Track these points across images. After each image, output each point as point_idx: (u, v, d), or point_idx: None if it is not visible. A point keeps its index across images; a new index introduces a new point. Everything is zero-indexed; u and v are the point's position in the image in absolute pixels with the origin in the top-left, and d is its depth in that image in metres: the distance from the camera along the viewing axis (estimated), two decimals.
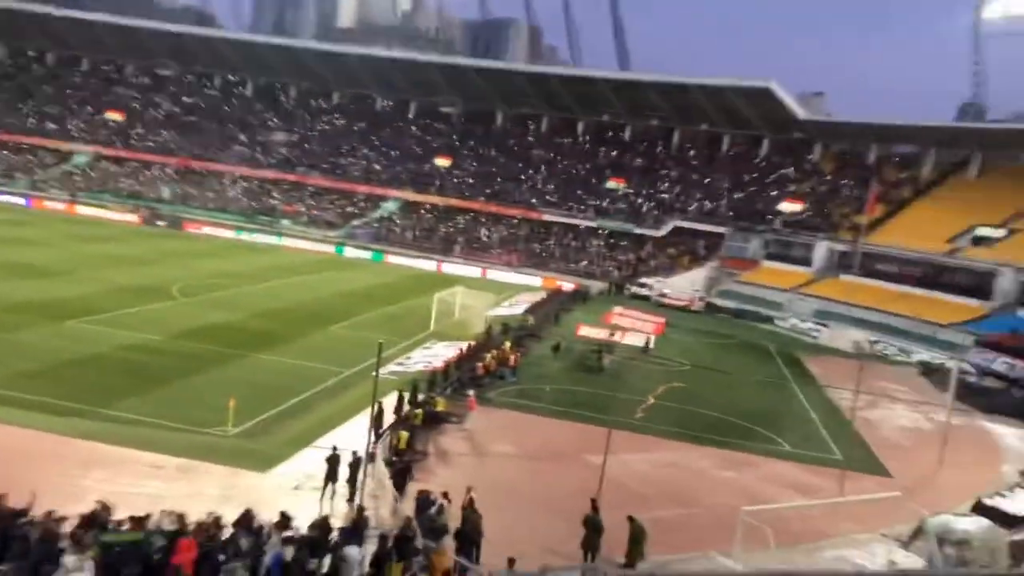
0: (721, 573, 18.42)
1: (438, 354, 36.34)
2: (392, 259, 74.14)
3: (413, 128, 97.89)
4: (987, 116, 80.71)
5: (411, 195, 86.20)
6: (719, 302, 67.36)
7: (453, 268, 71.77)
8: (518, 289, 64.29)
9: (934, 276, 62.46)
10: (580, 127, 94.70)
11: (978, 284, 59.10)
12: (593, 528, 18.28)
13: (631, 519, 18.41)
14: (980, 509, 22.87)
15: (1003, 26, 78.52)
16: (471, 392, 30.00)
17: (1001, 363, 46.29)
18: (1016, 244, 60.22)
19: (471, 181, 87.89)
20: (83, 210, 79.33)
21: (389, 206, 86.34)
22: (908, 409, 39.06)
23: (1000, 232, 62.58)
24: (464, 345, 36.56)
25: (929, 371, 47.83)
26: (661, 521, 21.02)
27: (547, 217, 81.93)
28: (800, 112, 79.64)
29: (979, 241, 62.68)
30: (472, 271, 71.42)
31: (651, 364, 41.80)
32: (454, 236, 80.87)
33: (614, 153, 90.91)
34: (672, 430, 30.18)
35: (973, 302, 58.13)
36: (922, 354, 51.56)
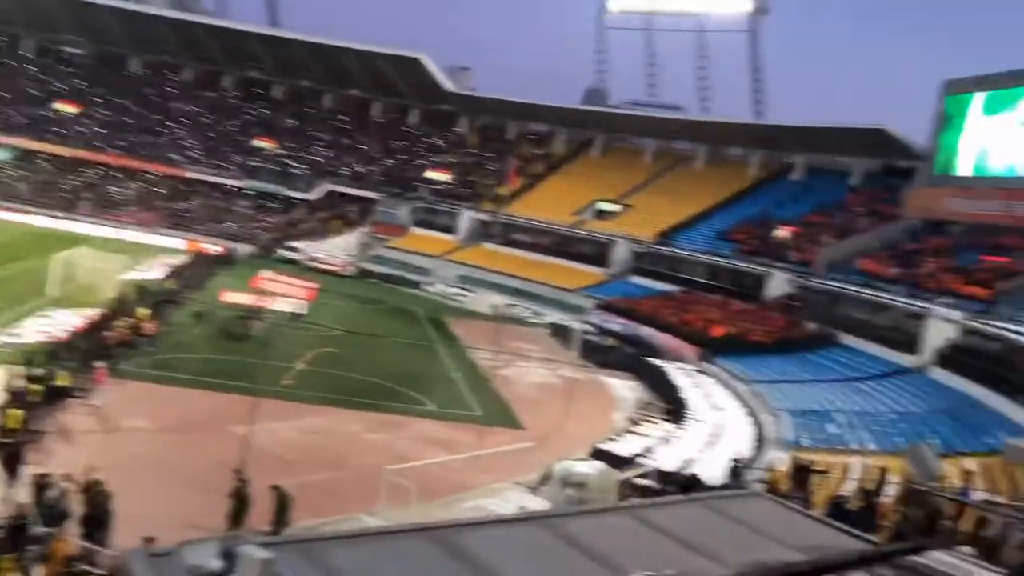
0: (356, 528, 18.81)
1: (59, 323, 32.73)
2: (2, 214, 65.09)
3: (29, 67, 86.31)
4: (608, 101, 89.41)
5: (27, 142, 76.09)
6: (370, 267, 68.26)
7: (79, 227, 64.78)
8: (157, 251, 59.81)
9: (563, 245, 68.70)
10: (227, 81, 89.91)
11: (599, 253, 66.02)
12: (239, 499, 17.77)
13: (275, 487, 18.16)
14: (596, 453, 25.73)
15: (622, 20, 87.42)
16: (100, 364, 27.46)
17: (615, 323, 52.20)
18: (629, 218, 68.02)
19: (101, 131, 79.72)
20: None
21: (1, 153, 75.60)
22: (540, 366, 42.66)
23: (617, 207, 70.24)
24: (92, 313, 33.33)
25: (557, 331, 52.51)
26: (309, 486, 20.95)
27: (190, 175, 77.00)
28: (448, 85, 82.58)
29: (600, 214, 69.88)
30: (103, 231, 65.06)
31: (301, 330, 41.30)
32: (81, 191, 73.05)
33: (264, 111, 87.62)
34: (322, 395, 30.18)
35: (595, 269, 64.85)
36: (552, 316, 56.45)
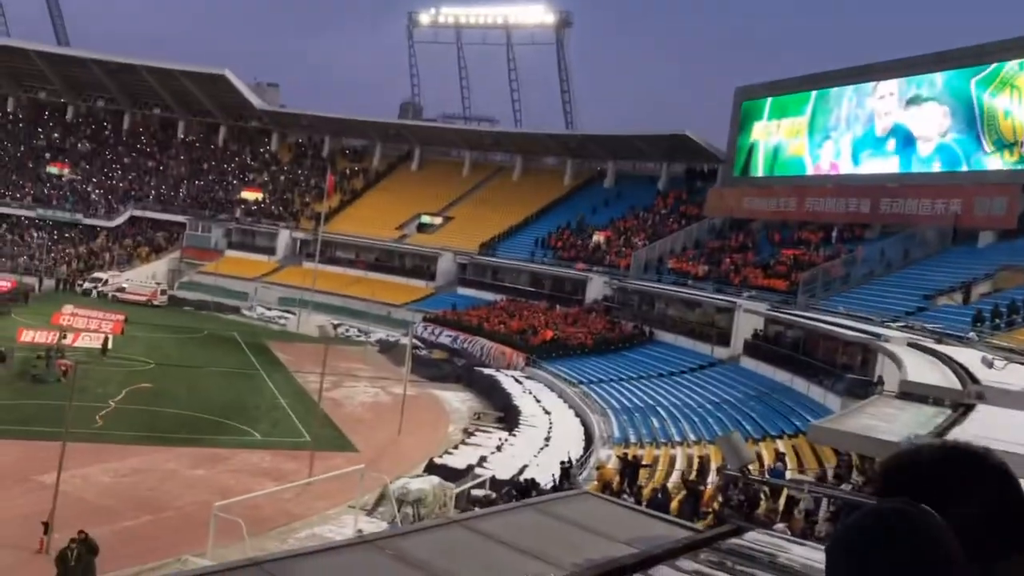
0: (180, 572, 17.85)
1: None
2: None
3: None
4: (423, 115, 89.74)
5: None
6: (182, 294, 65.05)
7: None
8: None
9: (387, 261, 68.24)
10: (11, 104, 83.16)
11: (424, 266, 66.02)
12: (61, 560, 16.30)
13: (77, 539, 16.82)
14: (431, 468, 25.64)
15: (432, 34, 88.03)
16: None
17: (445, 336, 52.34)
18: (451, 230, 68.47)
19: None
20: None
21: None
22: (369, 385, 42.08)
23: (439, 219, 70.54)
24: None
25: (386, 348, 52.01)
26: (128, 532, 19.70)
27: None
28: (256, 102, 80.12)
29: (422, 228, 69.94)
30: None
31: (111, 366, 38.66)
32: None
33: (55, 135, 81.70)
34: (138, 434, 28.38)
35: (421, 283, 64.80)
36: (380, 333, 55.85)
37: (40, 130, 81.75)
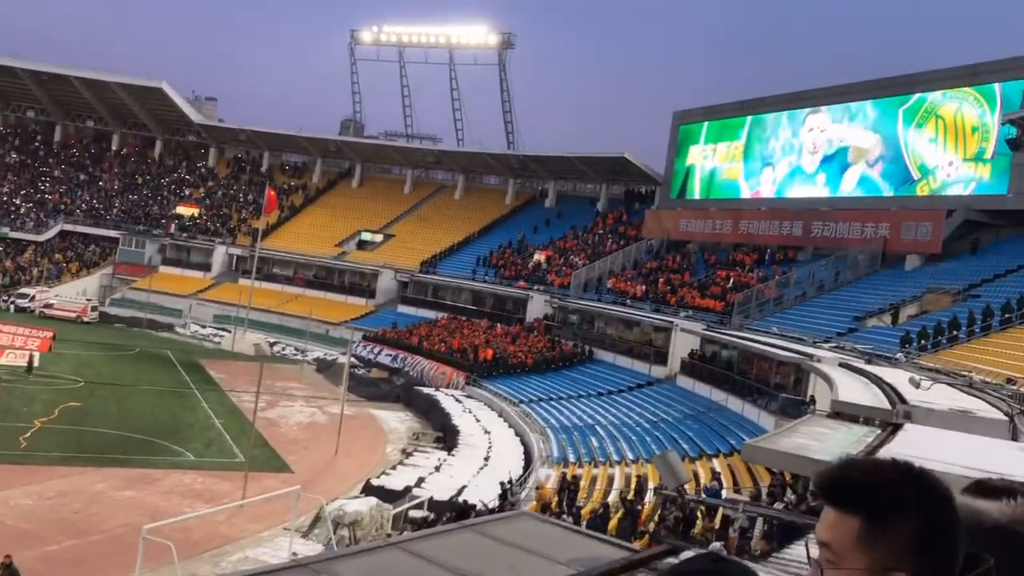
0: None
1: None
2: None
3: None
4: (364, 132, 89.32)
5: None
6: (114, 311, 63.40)
7: None
8: None
9: (326, 278, 67.53)
10: None
11: (364, 284, 65.49)
12: None
13: (2, 564, 16.23)
14: (368, 489, 25.33)
15: (374, 52, 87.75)
16: None
17: (384, 355, 51.90)
18: (392, 247, 68.11)
19: None
20: None
21: None
22: (306, 405, 41.46)
23: (379, 237, 70.11)
24: None
25: (324, 367, 51.34)
26: (52, 557, 19.02)
27: None
28: (194, 115, 78.83)
29: (363, 245, 69.42)
30: None
31: (36, 384, 37.42)
32: None
33: None
34: (64, 455, 27.48)
35: (360, 300, 64.26)
36: (317, 351, 55.13)
37: None
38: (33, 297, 60.75)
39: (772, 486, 19.18)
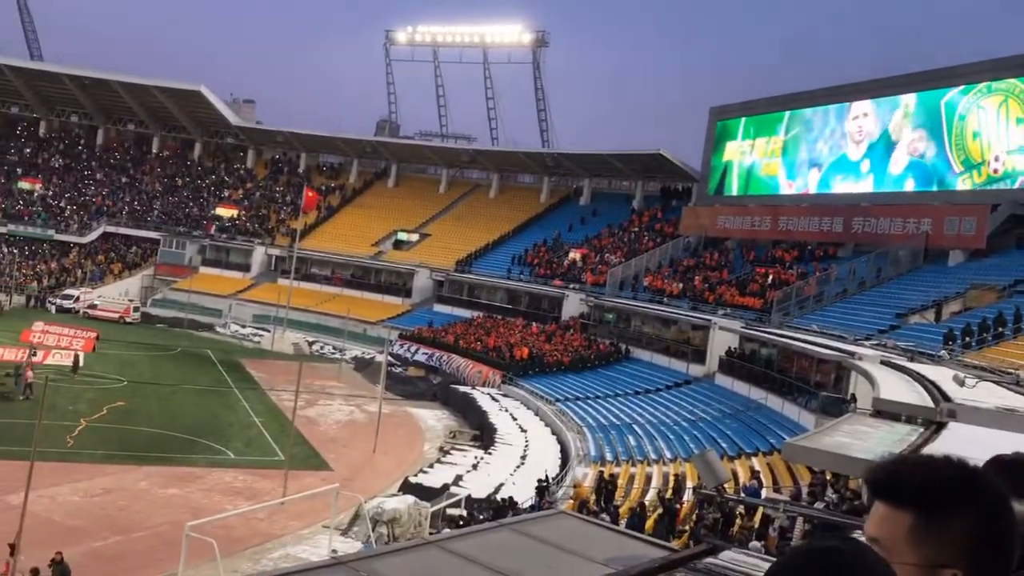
0: None
1: None
2: None
3: None
4: (400, 132, 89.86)
5: None
6: (156, 311, 64.42)
7: None
8: None
9: (363, 277, 68.02)
10: None
11: (400, 283, 65.86)
12: None
13: (54, 560, 16.57)
14: (406, 487, 25.47)
15: (409, 52, 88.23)
16: None
17: (421, 354, 52.14)
18: (427, 246, 68.40)
19: None
20: None
21: None
22: (344, 403, 41.79)
23: (415, 236, 70.45)
24: None
25: (361, 365, 51.71)
26: (99, 553, 19.40)
27: None
28: (232, 118, 79.83)
29: (399, 244, 69.80)
30: None
31: (82, 384, 38.16)
32: None
33: (27, 151, 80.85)
34: (109, 453, 27.99)
35: (396, 299, 64.61)
36: (355, 350, 55.55)
37: (12, 145, 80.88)
38: (77, 298, 61.95)
39: (813, 485, 18.96)
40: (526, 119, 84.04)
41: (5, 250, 69.61)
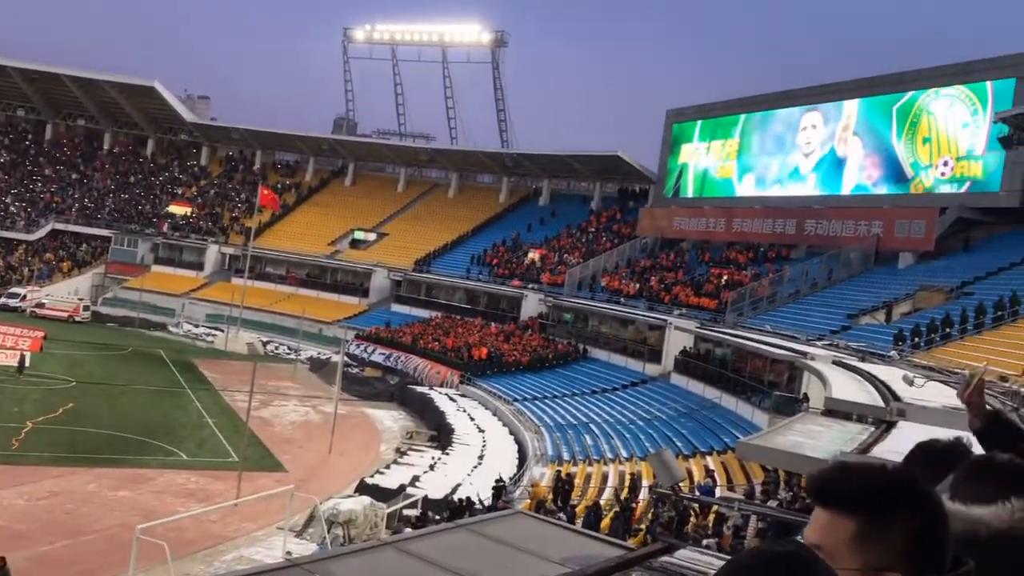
0: None
1: None
2: None
3: None
4: (358, 130, 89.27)
5: None
6: (106, 310, 63.19)
7: None
8: None
9: (319, 277, 67.42)
10: None
11: (357, 283, 65.39)
12: None
13: None
14: (362, 488, 25.29)
15: (367, 50, 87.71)
16: None
17: (378, 354, 51.83)
18: (385, 246, 68.02)
19: None
20: None
21: None
22: (299, 404, 41.37)
23: (372, 235, 70.02)
24: None
25: (317, 366, 51.25)
26: (45, 557, 18.94)
27: None
28: (186, 114, 78.62)
29: (356, 243, 69.31)
30: None
31: (28, 385, 37.28)
32: None
33: None
34: (56, 455, 27.38)
35: (354, 299, 64.13)
36: (311, 350, 55.02)
37: None
38: (24, 297, 60.47)
39: (766, 483, 19.21)
40: (485, 119, 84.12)
41: None
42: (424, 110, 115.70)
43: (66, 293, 63.83)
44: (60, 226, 71.33)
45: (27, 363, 39.80)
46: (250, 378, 29.52)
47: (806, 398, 25.10)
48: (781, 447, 14.03)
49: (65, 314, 59.25)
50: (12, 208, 72.18)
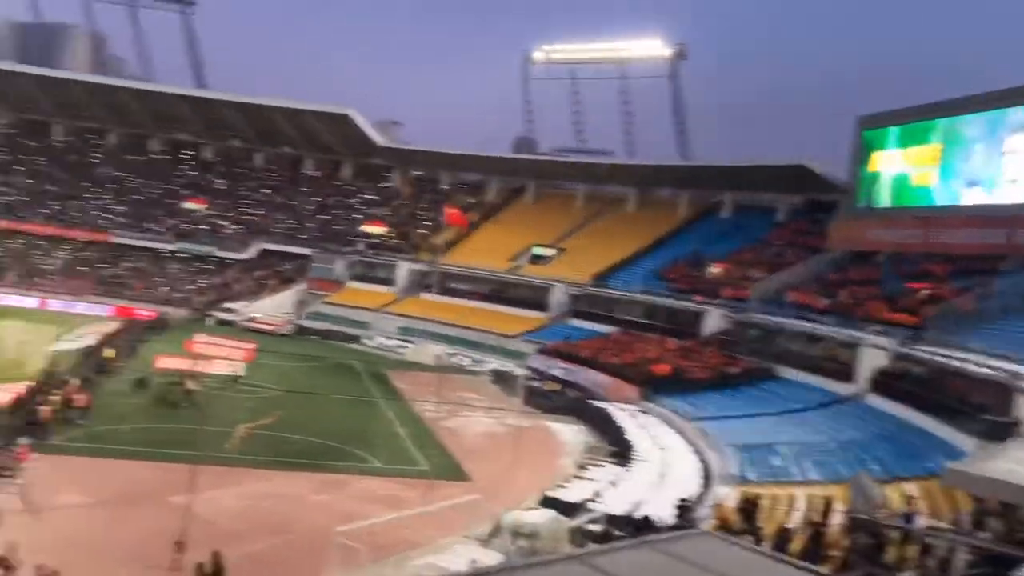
0: None
1: None
2: None
3: None
4: (538, 149, 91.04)
5: None
6: (308, 324, 67.47)
7: (4, 299, 62.67)
8: (86, 320, 58.23)
9: (501, 292, 69.01)
10: (154, 144, 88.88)
11: (537, 297, 66.41)
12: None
13: (215, 556, 17.62)
14: (545, 501, 25.60)
15: (547, 70, 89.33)
16: (23, 441, 26.33)
17: (558, 368, 52.34)
18: (564, 261, 68.75)
19: (24, 199, 77.90)
20: None
21: None
22: (484, 415, 42.45)
23: (552, 251, 70.97)
24: (17, 387, 32.11)
25: (500, 379, 52.41)
26: (255, 555, 20.45)
27: (118, 240, 75.54)
28: (379, 139, 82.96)
29: (536, 259, 70.50)
30: (29, 302, 63.12)
31: (240, 392, 40.44)
32: (5, 262, 70.94)
33: (193, 173, 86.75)
34: (265, 459, 29.49)
35: (534, 314, 65.15)
36: (493, 363, 56.35)
37: (179, 168, 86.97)
38: (237, 311, 65.80)
39: (977, 513, 17.87)
40: (664, 132, 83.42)
41: (173, 266, 74.76)
42: (602, 126, 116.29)
43: (273, 308, 68.72)
44: (268, 246, 77.07)
45: (241, 372, 42.84)
46: (437, 389, 30.64)
47: (1020, 423, 23.12)
48: (995, 475, 13.05)
49: (272, 327, 63.90)
50: (227, 230, 78.69)
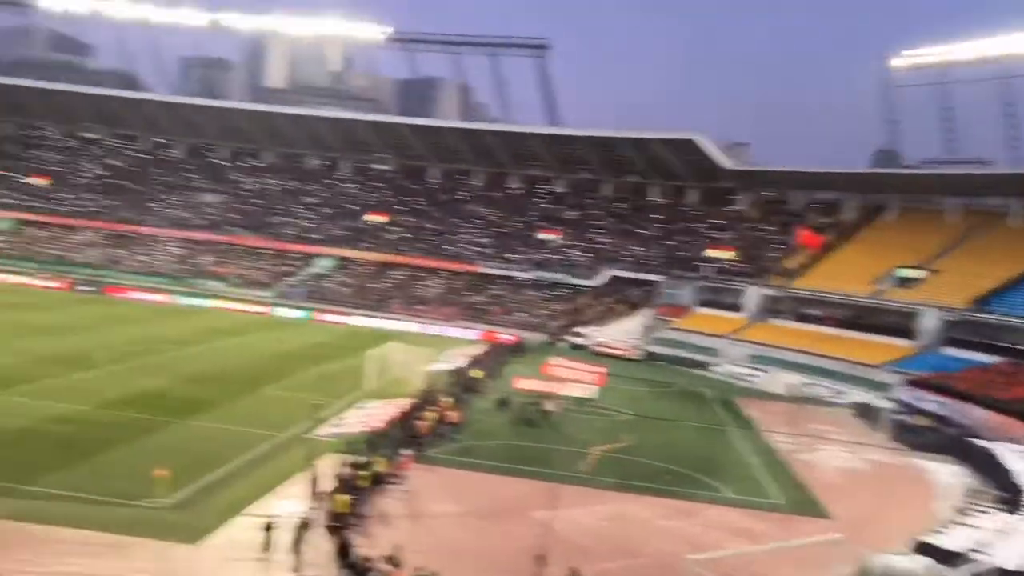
0: None
1: (373, 413, 35.59)
2: (327, 317, 73.22)
3: (346, 186, 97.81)
4: (901, 162, 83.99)
5: (346, 252, 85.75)
6: (655, 349, 68.04)
7: (390, 324, 71.08)
8: (456, 343, 63.92)
9: (861, 318, 64.22)
10: (512, 181, 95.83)
11: (903, 324, 60.87)
12: None
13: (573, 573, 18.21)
14: (919, 548, 23.21)
15: (910, 77, 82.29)
16: (407, 452, 29.41)
17: (931, 401, 47.46)
18: (936, 284, 62.37)
19: (406, 236, 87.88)
20: (5, 278, 76.47)
21: (324, 263, 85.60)
22: (843, 450, 39.68)
23: (921, 273, 64.78)
24: (403, 403, 35.98)
25: (862, 412, 48.76)
26: (605, 574, 20.82)
27: (483, 270, 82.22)
28: (725, 162, 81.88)
29: (902, 282, 64.75)
30: (410, 326, 70.87)
31: (592, 415, 41.77)
32: (391, 292, 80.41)
33: (546, 205, 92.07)
34: (616, 481, 30.08)
35: (900, 342, 59.74)
36: (854, 395, 52.58)
37: (533, 201, 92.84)
38: (586, 336, 68.33)
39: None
40: None
41: (530, 293, 79.67)
42: (977, 132, 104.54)
43: (622, 333, 70.31)
44: (618, 273, 79.28)
45: (593, 395, 44.18)
46: (791, 420, 29.21)
47: None
48: None
49: (621, 352, 65.39)
50: (578, 258, 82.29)
